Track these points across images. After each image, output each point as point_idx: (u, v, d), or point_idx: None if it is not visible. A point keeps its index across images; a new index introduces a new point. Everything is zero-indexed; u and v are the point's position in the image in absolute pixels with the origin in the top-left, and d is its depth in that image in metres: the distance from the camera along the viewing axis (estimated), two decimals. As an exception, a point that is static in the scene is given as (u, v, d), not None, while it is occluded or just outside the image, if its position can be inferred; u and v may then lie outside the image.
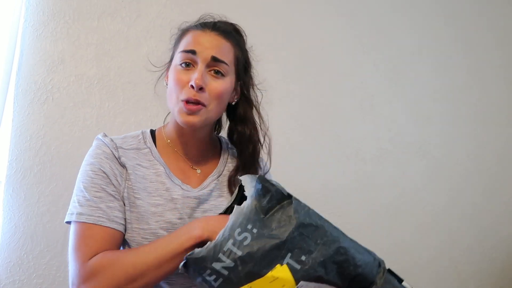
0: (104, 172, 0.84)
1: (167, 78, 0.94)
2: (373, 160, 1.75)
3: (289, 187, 0.74)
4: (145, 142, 0.93)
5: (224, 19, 0.95)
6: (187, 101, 0.85)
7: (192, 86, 0.84)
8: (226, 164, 0.99)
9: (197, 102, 0.85)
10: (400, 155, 1.80)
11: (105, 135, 0.90)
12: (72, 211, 0.82)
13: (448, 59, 1.91)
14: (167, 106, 0.93)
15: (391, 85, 1.81)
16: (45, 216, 1.30)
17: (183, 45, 0.89)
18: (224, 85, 0.88)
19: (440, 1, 1.92)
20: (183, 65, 0.87)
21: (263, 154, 1.05)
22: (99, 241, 0.79)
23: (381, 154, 1.77)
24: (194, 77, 0.84)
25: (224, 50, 0.88)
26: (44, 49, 1.33)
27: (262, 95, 1.02)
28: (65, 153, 1.33)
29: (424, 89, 1.86)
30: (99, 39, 1.38)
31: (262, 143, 0.99)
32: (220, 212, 0.81)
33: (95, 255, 0.77)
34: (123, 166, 0.86)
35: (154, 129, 0.99)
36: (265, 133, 0.99)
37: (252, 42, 0.98)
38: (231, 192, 0.95)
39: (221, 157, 1.00)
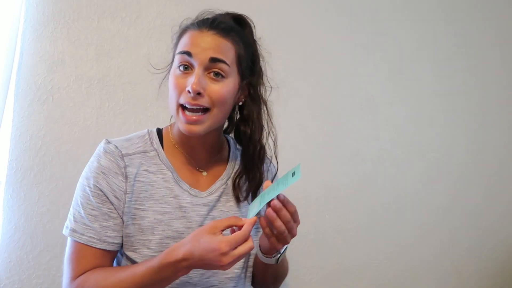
0: (101, 190, 0.81)
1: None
2: (373, 160, 1.75)
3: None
4: (151, 143, 0.89)
5: (225, 12, 0.90)
6: (185, 107, 0.81)
7: (189, 91, 0.79)
8: (235, 166, 0.96)
9: (197, 108, 0.81)
10: (400, 155, 1.80)
11: (108, 142, 0.86)
12: (67, 224, 0.83)
13: (449, 59, 1.91)
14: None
15: (391, 85, 1.80)
16: (45, 216, 1.30)
17: (181, 46, 0.84)
18: (225, 87, 0.82)
19: (441, 0, 1.91)
20: (181, 68, 0.82)
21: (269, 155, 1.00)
22: (90, 260, 0.81)
23: (381, 154, 1.77)
24: (191, 81, 0.79)
25: (223, 49, 0.82)
26: (44, 49, 1.33)
27: (272, 89, 0.97)
28: (65, 153, 1.32)
29: (425, 89, 1.86)
30: (99, 39, 1.38)
31: (265, 143, 0.94)
32: None
33: (84, 272, 0.80)
34: (126, 177, 0.83)
35: (160, 127, 0.95)
36: (270, 131, 0.94)
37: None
38: (236, 197, 0.92)
39: (230, 159, 0.96)
